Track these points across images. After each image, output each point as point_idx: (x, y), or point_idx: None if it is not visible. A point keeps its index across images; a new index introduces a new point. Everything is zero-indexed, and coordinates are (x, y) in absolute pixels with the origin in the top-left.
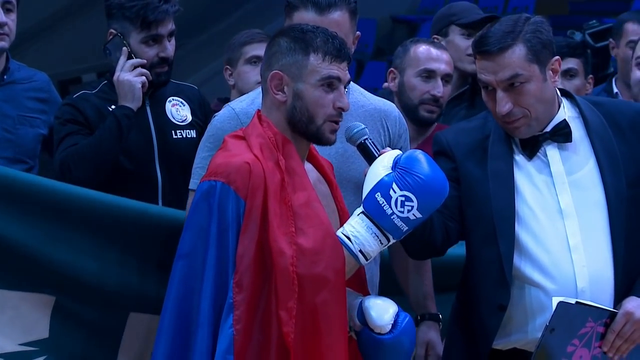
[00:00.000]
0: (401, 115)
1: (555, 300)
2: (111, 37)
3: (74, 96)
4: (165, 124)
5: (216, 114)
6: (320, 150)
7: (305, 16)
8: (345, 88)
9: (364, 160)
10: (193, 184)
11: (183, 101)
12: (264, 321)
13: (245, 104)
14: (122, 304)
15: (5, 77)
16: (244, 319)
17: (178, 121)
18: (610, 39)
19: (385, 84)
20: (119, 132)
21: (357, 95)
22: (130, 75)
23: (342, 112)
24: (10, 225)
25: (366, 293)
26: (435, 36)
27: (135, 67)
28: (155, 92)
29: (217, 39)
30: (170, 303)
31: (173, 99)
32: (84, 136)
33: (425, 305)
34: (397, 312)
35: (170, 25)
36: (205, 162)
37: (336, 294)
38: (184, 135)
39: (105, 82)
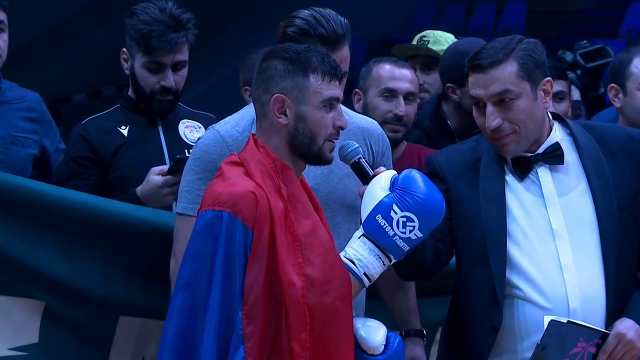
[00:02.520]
0: (384, 132)
1: (547, 319)
2: (124, 57)
3: (83, 122)
4: (178, 144)
5: (200, 136)
6: (306, 171)
7: None
8: None
9: (348, 180)
10: (180, 207)
11: (199, 125)
12: (274, 353)
13: (230, 126)
14: (112, 307)
15: None
16: (256, 351)
17: (191, 141)
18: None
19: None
20: None
21: None
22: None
23: (340, 131)
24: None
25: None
26: (450, 85)
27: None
28: (168, 116)
29: (226, 46)
30: (170, 334)
31: (187, 122)
32: (83, 181)
33: (409, 321)
34: (388, 333)
35: (179, 55)
36: (191, 185)
37: (345, 322)
38: None
39: (118, 105)
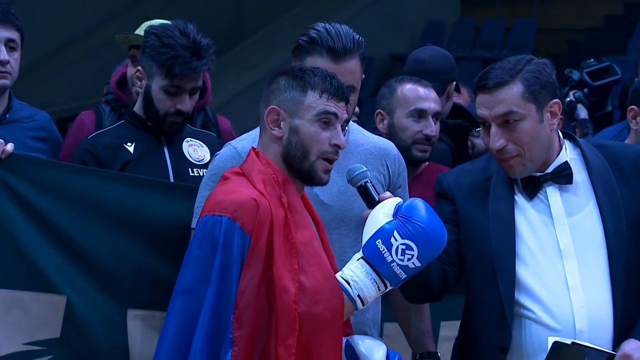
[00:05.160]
0: (399, 153)
1: (550, 340)
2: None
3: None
4: (183, 162)
5: (217, 152)
6: (322, 189)
7: (320, 63)
8: (344, 128)
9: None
10: (195, 222)
11: (201, 143)
12: (263, 358)
13: (247, 142)
14: (120, 300)
15: (7, 115)
16: (243, 356)
17: (195, 160)
18: (634, 106)
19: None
20: None
21: (357, 134)
22: None
23: (339, 150)
24: (19, 223)
25: (349, 333)
26: None
27: None
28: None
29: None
30: (169, 339)
31: (190, 140)
32: None
33: (424, 344)
34: (387, 351)
35: (197, 82)
36: None
37: (333, 335)
38: (202, 174)
39: (122, 121)
